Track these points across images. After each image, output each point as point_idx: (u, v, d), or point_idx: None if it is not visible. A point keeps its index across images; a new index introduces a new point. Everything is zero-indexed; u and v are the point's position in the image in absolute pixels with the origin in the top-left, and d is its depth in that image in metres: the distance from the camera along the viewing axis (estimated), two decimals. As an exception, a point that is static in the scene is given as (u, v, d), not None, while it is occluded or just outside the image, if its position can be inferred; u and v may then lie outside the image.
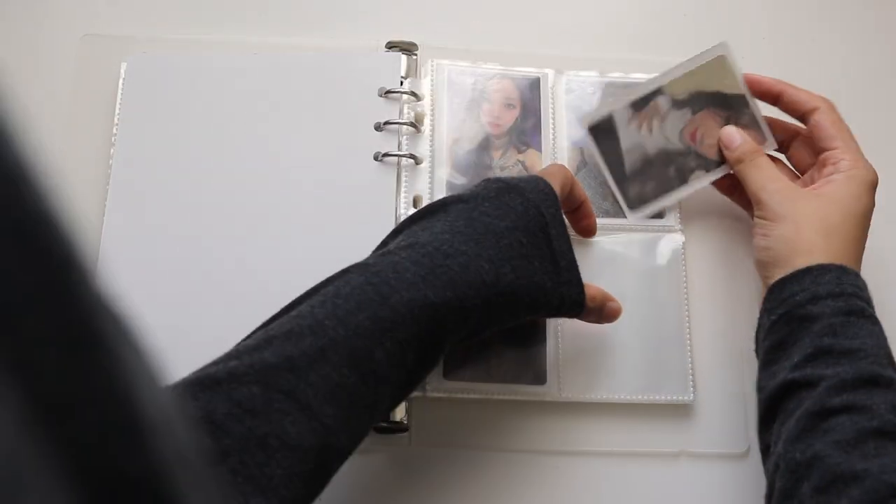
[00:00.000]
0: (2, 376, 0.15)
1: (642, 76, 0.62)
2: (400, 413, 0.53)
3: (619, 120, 0.58)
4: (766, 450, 0.47)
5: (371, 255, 0.47)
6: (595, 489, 0.54)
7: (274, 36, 0.63)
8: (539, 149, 0.59)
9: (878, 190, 0.62)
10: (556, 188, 0.50)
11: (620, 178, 0.58)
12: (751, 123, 0.58)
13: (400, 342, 0.42)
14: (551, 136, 0.60)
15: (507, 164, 0.59)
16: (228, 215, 0.56)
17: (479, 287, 0.44)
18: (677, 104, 0.58)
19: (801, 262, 0.49)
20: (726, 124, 0.57)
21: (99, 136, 0.59)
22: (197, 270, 0.55)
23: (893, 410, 0.42)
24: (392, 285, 0.42)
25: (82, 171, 0.58)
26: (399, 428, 0.53)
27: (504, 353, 0.54)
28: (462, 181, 0.58)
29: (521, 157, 0.59)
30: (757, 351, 0.51)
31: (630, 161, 0.58)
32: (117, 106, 0.59)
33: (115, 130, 0.58)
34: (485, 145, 0.59)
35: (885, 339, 0.47)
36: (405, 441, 0.54)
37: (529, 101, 0.60)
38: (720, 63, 0.58)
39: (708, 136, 0.58)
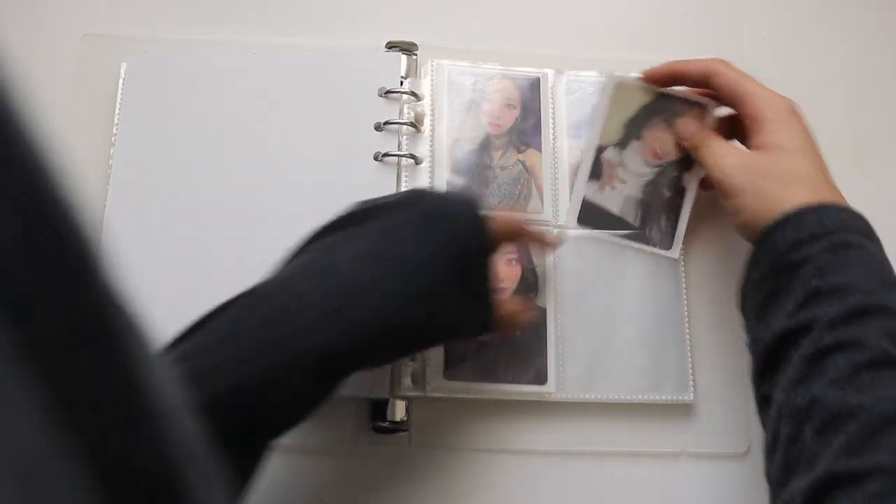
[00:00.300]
0: (20, 368, 0.15)
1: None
2: (400, 413, 0.53)
3: (593, 198, 0.58)
4: (763, 400, 0.46)
5: (285, 265, 0.45)
6: (595, 489, 0.54)
7: (274, 36, 0.63)
8: (539, 149, 0.59)
9: (878, 190, 0.62)
10: (492, 221, 0.48)
11: (638, 235, 0.58)
12: (686, 107, 0.58)
13: (294, 394, 0.41)
14: (551, 136, 0.60)
15: (507, 164, 0.59)
16: (228, 215, 0.56)
17: (382, 330, 0.43)
18: (622, 145, 0.58)
19: (776, 213, 0.48)
20: (670, 126, 0.57)
21: (99, 136, 0.59)
22: (197, 270, 0.55)
23: (886, 337, 0.41)
24: (293, 326, 0.41)
25: (83, 171, 0.58)
26: (399, 428, 0.53)
27: (504, 352, 0.54)
28: (462, 181, 0.58)
29: (521, 156, 0.59)
30: (743, 306, 0.50)
31: (632, 216, 0.58)
32: (117, 106, 0.59)
33: (115, 130, 0.58)
34: (485, 145, 0.59)
35: (878, 261, 0.46)
36: (405, 441, 0.54)
37: (529, 101, 0.60)
38: (621, 88, 0.58)
39: (664, 146, 0.58)
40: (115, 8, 0.64)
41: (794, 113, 0.52)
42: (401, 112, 0.58)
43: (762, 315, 0.47)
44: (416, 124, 0.58)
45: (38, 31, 0.63)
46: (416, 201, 0.47)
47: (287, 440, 0.53)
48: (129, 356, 0.18)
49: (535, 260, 0.56)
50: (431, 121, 0.59)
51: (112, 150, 0.58)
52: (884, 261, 0.46)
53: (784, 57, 0.66)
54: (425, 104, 0.59)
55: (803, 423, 0.41)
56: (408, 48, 0.61)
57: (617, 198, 0.58)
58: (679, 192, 0.58)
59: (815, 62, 0.66)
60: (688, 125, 0.56)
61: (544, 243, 0.55)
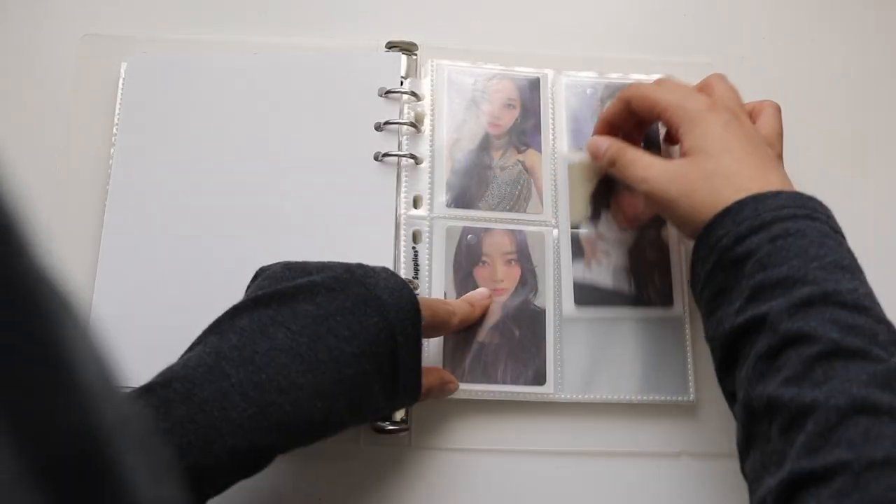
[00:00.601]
0: None
1: (642, 76, 0.62)
2: (400, 413, 0.53)
3: (583, 278, 0.56)
4: (729, 396, 0.46)
5: (207, 343, 0.42)
6: (595, 489, 0.54)
7: (274, 36, 0.63)
8: (539, 149, 0.59)
9: (878, 190, 0.62)
10: (423, 309, 0.46)
11: (637, 300, 0.57)
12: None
13: (218, 484, 0.40)
14: (551, 137, 0.60)
15: (506, 165, 0.59)
16: (229, 215, 0.56)
17: (307, 427, 0.42)
18: (594, 219, 0.58)
19: (711, 210, 0.46)
20: (627, 188, 0.57)
21: (99, 135, 0.59)
22: (197, 269, 0.55)
23: (832, 325, 0.40)
24: (217, 427, 0.39)
25: (82, 171, 0.58)
26: (399, 428, 0.53)
27: (503, 353, 0.54)
28: (462, 181, 0.58)
29: (520, 157, 0.59)
30: (696, 301, 0.49)
31: (626, 286, 0.57)
32: (117, 106, 0.59)
33: (115, 130, 0.58)
34: (485, 145, 0.59)
35: (818, 244, 0.43)
36: (405, 441, 0.54)
37: (529, 101, 0.60)
38: (574, 169, 0.59)
39: (634, 208, 0.58)
40: (115, 8, 0.64)
41: (710, 110, 0.50)
42: (401, 112, 0.58)
43: (713, 311, 0.46)
44: (416, 124, 0.58)
45: (38, 31, 0.63)
46: (346, 285, 0.44)
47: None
48: (53, 328, 0.19)
49: (535, 260, 0.57)
50: (431, 121, 0.59)
51: (112, 150, 0.58)
52: (824, 241, 0.44)
53: (784, 57, 0.66)
54: (425, 104, 0.59)
55: (770, 422, 0.40)
56: (408, 48, 0.61)
57: (606, 272, 0.57)
58: (663, 249, 0.58)
59: (815, 62, 0.66)
60: (597, 142, 0.55)
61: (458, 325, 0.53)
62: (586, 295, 0.56)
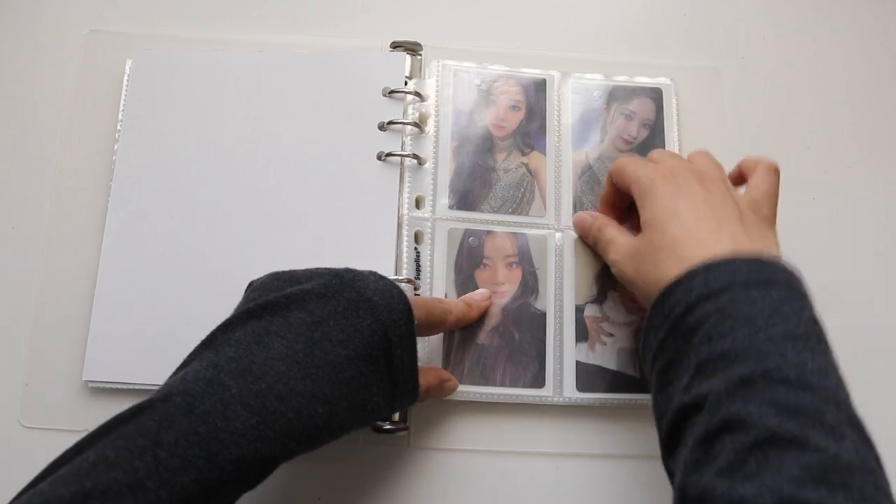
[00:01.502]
0: None
1: (646, 79, 0.62)
2: (400, 413, 0.54)
3: (587, 360, 0.55)
4: (669, 475, 0.43)
5: (202, 358, 0.41)
6: (594, 491, 0.54)
7: (279, 34, 0.63)
8: (543, 151, 0.59)
9: (878, 190, 0.63)
10: (415, 308, 0.46)
11: (642, 385, 0.55)
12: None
13: (223, 497, 0.39)
14: (556, 139, 0.60)
15: (510, 167, 0.59)
16: (231, 212, 0.56)
17: (310, 432, 0.41)
18: (599, 299, 0.56)
19: (664, 282, 0.45)
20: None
21: (103, 132, 0.59)
22: (199, 265, 0.55)
23: (771, 407, 0.38)
24: (221, 438, 0.38)
25: (86, 167, 0.58)
26: (399, 428, 0.53)
27: (503, 355, 0.54)
28: (465, 183, 0.58)
29: (524, 159, 0.59)
30: (646, 371, 0.47)
31: (630, 368, 0.55)
32: (122, 102, 0.59)
33: (119, 127, 0.58)
34: (488, 147, 0.59)
35: (766, 315, 0.41)
36: (405, 441, 0.54)
37: (535, 102, 0.60)
38: (582, 246, 0.57)
39: (629, 299, 0.56)
40: (120, 4, 0.64)
41: (661, 178, 0.48)
42: (405, 112, 0.58)
43: (664, 385, 0.43)
44: (419, 124, 0.58)
45: (42, 28, 0.63)
46: (336, 291, 0.44)
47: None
48: None
49: (536, 263, 0.57)
50: (435, 121, 0.59)
51: (116, 147, 0.58)
52: (778, 308, 0.41)
53: (784, 57, 0.66)
54: (429, 104, 0.59)
55: None
56: (412, 48, 0.61)
57: (610, 353, 0.55)
58: None
59: (815, 62, 0.66)
60: (581, 219, 0.56)
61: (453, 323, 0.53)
62: (590, 379, 0.55)
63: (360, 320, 0.43)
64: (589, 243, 0.56)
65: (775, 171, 0.51)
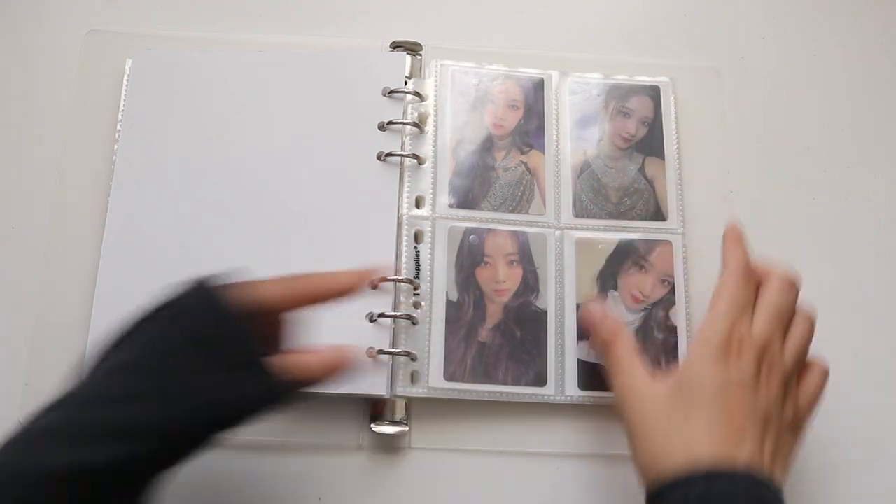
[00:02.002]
0: None
1: (647, 79, 0.62)
2: (400, 413, 0.54)
3: (588, 358, 0.55)
4: None
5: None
6: (595, 491, 0.54)
7: (278, 34, 0.63)
8: (542, 150, 0.59)
9: (878, 190, 0.62)
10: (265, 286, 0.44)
11: None
12: (649, 246, 0.57)
13: None
14: (555, 138, 0.60)
15: (509, 165, 0.59)
16: (231, 212, 0.56)
17: (160, 435, 0.39)
18: (599, 299, 0.56)
19: (664, 469, 0.43)
20: (641, 268, 0.57)
21: (103, 132, 0.59)
22: (199, 266, 0.55)
23: None
24: (42, 451, 0.37)
25: (86, 167, 0.58)
26: (399, 428, 0.53)
27: (504, 354, 0.54)
28: (464, 182, 0.58)
29: (523, 158, 0.59)
30: None
31: None
32: (122, 102, 0.59)
33: (118, 127, 0.59)
34: (487, 146, 0.59)
35: None
36: (404, 441, 0.54)
37: (533, 102, 0.60)
38: (584, 246, 0.57)
39: (642, 288, 0.56)
40: (120, 4, 0.64)
41: (715, 349, 0.45)
42: (404, 112, 0.58)
43: None
44: (419, 124, 0.58)
45: (42, 27, 0.63)
46: (160, 308, 0.43)
47: (287, 439, 0.53)
48: None
49: (537, 261, 0.57)
50: (435, 121, 0.59)
51: (116, 147, 0.58)
52: None
53: (784, 57, 0.66)
54: (429, 104, 0.59)
55: None
56: (412, 48, 0.61)
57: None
58: (671, 331, 0.56)
59: (815, 62, 0.66)
60: (590, 314, 0.52)
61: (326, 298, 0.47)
62: (591, 376, 0.54)
63: (169, 319, 0.42)
64: (592, 343, 0.53)
65: (826, 375, 0.49)
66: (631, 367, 0.48)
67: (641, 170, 0.60)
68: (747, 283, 0.47)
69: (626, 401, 0.47)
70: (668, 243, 0.58)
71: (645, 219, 0.58)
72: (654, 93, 0.62)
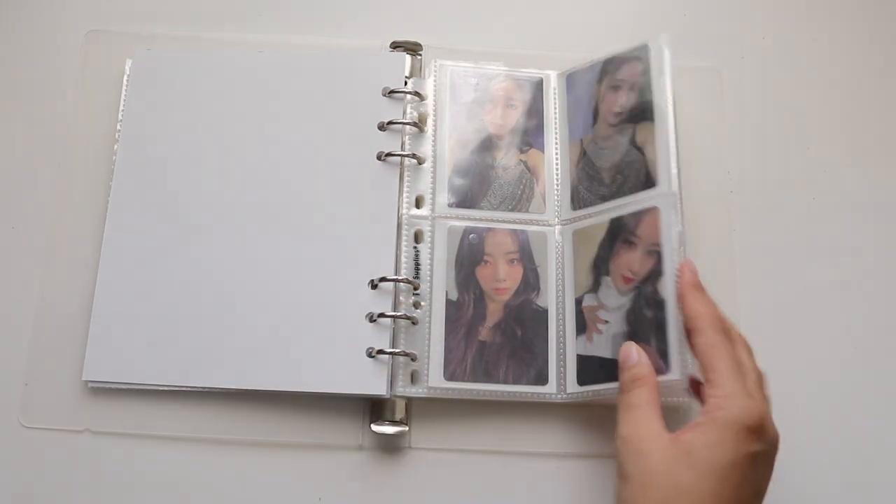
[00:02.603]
0: None
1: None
2: (400, 413, 0.54)
3: (585, 351, 0.54)
4: None
5: None
6: (595, 490, 0.54)
7: (278, 35, 0.63)
8: (542, 149, 0.59)
9: (878, 191, 0.62)
10: None
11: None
12: (637, 218, 0.53)
13: None
14: (554, 137, 0.60)
15: (509, 165, 0.59)
16: (231, 212, 0.56)
17: None
18: (595, 287, 0.54)
19: None
20: (630, 245, 0.53)
21: (103, 132, 0.59)
22: (199, 266, 0.55)
23: None
24: None
25: (86, 168, 0.59)
26: (399, 428, 0.53)
27: (505, 353, 0.54)
28: (464, 181, 0.58)
29: (523, 157, 0.59)
30: None
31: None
32: (122, 102, 0.59)
33: (118, 127, 0.59)
34: (487, 145, 0.59)
35: None
36: (405, 441, 0.54)
37: (532, 101, 0.60)
38: (581, 235, 0.56)
39: (631, 266, 0.53)
40: (120, 4, 0.64)
41: (742, 429, 0.43)
42: (404, 112, 0.58)
43: None
44: (419, 124, 0.58)
45: (43, 27, 0.63)
46: None
47: (287, 439, 0.53)
48: None
49: (537, 260, 0.57)
50: (434, 121, 0.59)
51: (116, 147, 0.58)
52: None
53: (784, 57, 0.66)
54: (428, 104, 0.59)
55: None
56: (412, 48, 0.61)
57: (605, 341, 0.53)
58: (660, 306, 0.50)
59: (815, 62, 0.66)
60: (633, 355, 0.48)
61: None
62: (589, 370, 0.53)
63: None
64: (621, 379, 0.48)
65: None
66: (641, 418, 0.45)
67: (633, 140, 0.56)
68: (729, 340, 0.47)
69: (631, 452, 0.44)
70: (654, 210, 0.52)
71: (636, 190, 0.54)
72: (642, 53, 0.57)
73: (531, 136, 0.60)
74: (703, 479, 0.41)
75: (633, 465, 0.43)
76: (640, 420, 0.45)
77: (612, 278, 0.54)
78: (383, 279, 0.54)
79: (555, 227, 0.58)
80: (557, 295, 0.56)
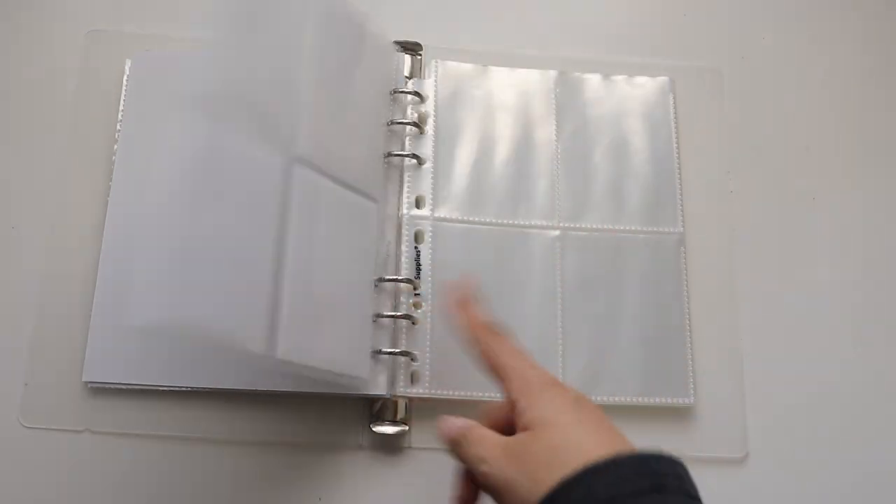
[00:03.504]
0: None
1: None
2: (400, 413, 0.54)
3: None
4: None
5: None
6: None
7: (278, 34, 0.63)
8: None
9: (878, 191, 0.62)
10: None
11: None
12: None
13: None
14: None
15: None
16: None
17: None
18: None
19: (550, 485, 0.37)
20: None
21: (102, 132, 0.59)
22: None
23: None
24: None
25: (86, 167, 0.58)
26: (399, 428, 0.53)
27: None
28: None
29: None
30: None
31: None
32: (121, 102, 0.59)
33: (118, 127, 0.58)
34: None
35: None
36: (405, 441, 0.54)
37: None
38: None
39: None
40: (120, 4, 0.64)
41: (556, 385, 0.42)
42: (404, 112, 0.58)
43: None
44: (419, 125, 0.58)
45: (43, 27, 0.63)
46: None
47: (287, 439, 0.53)
48: None
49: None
50: (435, 121, 0.59)
51: (115, 147, 0.58)
52: None
53: (784, 57, 0.66)
54: (429, 105, 0.59)
55: None
56: (413, 48, 0.61)
57: None
58: None
59: (815, 62, 0.66)
60: (448, 423, 0.44)
61: None
62: None
63: None
64: (454, 452, 0.44)
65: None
66: (493, 437, 0.42)
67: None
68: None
69: (496, 460, 0.41)
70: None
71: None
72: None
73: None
74: (571, 429, 0.40)
75: (512, 466, 0.40)
76: (494, 442, 0.42)
77: None
78: (383, 279, 0.54)
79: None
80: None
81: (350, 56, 0.55)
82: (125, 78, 0.60)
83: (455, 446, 0.44)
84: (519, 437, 0.41)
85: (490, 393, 0.54)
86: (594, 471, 0.37)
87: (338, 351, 0.50)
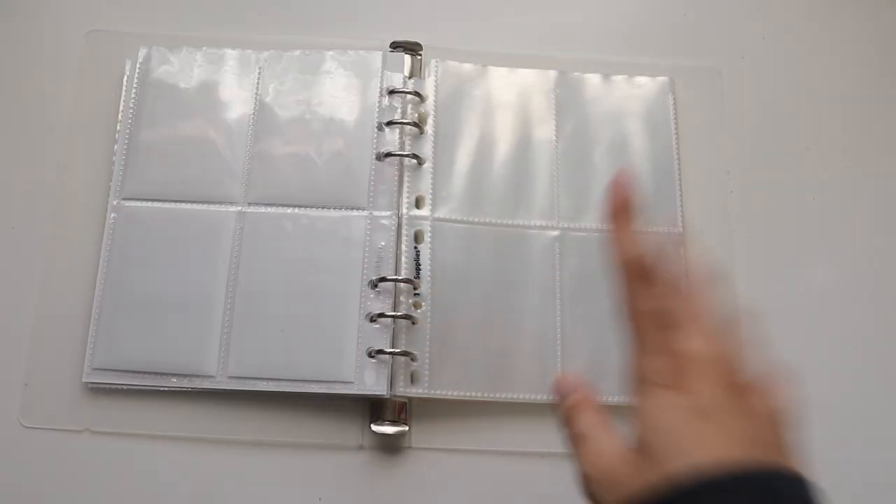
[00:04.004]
0: None
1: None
2: (400, 413, 0.54)
3: None
4: None
5: None
6: (594, 491, 0.54)
7: (278, 35, 0.63)
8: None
9: (877, 191, 0.62)
10: None
11: None
12: None
13: None
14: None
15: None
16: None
17: None
18: None
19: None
20: None
21: (102, 132, 0.59)
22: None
23: None
24: None
25: (86, 167, 0.58)
26: (399, 428, 0.53)
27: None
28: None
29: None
30: None
31: None
32: (121, 102, 0.59)
33: (118, 127, 0.58)
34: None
35: None
36: (405, 441, 0.54)
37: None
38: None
39: None
40: (120, 4, 0.64)
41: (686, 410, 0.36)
42: (404, 112, 0.58)
43: None
44: (419, 125, 0.58)
45: (42, 27, 0.63)
46: None
47: (287, 439, 0.53)
48: None
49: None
50: (434, 121, 0.59)
51: (115, 147, 0.58)
52: None
53: (784, 57, 0.66)
54: (428, 105, 0.59)
55: None
56: (412, 48, 0.61)
57: None
58: None
59: (815, 62, 0.66)
60: (561, 384, 0.41)
61: None
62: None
63: None
64: (558, 415, 0.41)
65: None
66: (602, 440, 0.38)
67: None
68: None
69: (603, 487, 0.36)
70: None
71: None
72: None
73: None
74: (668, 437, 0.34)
75: (613, 498, 0.35)
76: (595, 450, 0.38)
77: None
78: (383, 279, 0.54)
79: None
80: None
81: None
82: (125, 78, 0.60)
83: (563, 425, 0.40)
84: (632, 457, 0.35)
85: (490, 393, 0.54)
86: (705, 484, 0.32)
87: (308, 359, 0.53)
